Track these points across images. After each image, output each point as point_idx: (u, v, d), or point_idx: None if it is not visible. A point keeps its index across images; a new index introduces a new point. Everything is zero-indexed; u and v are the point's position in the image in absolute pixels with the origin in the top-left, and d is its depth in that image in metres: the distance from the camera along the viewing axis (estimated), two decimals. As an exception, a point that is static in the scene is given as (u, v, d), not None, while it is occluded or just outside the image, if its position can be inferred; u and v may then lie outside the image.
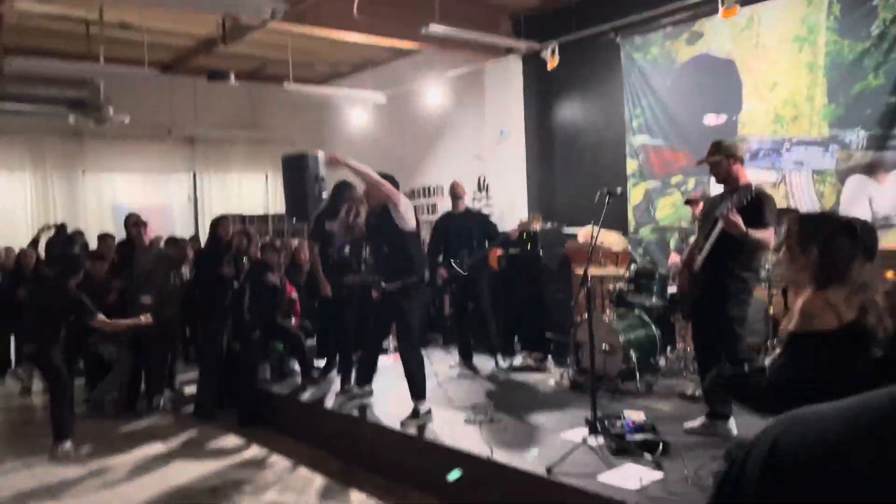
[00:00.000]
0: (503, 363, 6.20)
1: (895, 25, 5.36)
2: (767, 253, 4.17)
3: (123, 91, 8.35)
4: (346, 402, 5.11)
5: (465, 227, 6.26)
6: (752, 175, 6.28)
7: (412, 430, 4.39)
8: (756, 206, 3.69)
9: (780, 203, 6.09)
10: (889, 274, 4.53)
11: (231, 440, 5.41)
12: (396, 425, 4.50)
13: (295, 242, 7.98)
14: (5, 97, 7.55)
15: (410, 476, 4.28)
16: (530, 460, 3.74)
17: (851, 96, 5.58)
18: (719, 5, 5.53)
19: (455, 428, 4.38)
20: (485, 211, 7.66)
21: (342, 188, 5.53)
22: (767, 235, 3.70)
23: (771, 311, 5.06)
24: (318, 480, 4.46)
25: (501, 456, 3.81)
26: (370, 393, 5.15)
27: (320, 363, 6.24)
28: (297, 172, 6.78)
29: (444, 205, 9.05)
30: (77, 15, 7.52)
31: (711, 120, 6.55)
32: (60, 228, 7.89)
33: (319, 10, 6.18)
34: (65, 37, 8.14)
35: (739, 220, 3.60)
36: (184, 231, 9.66)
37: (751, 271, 3.92)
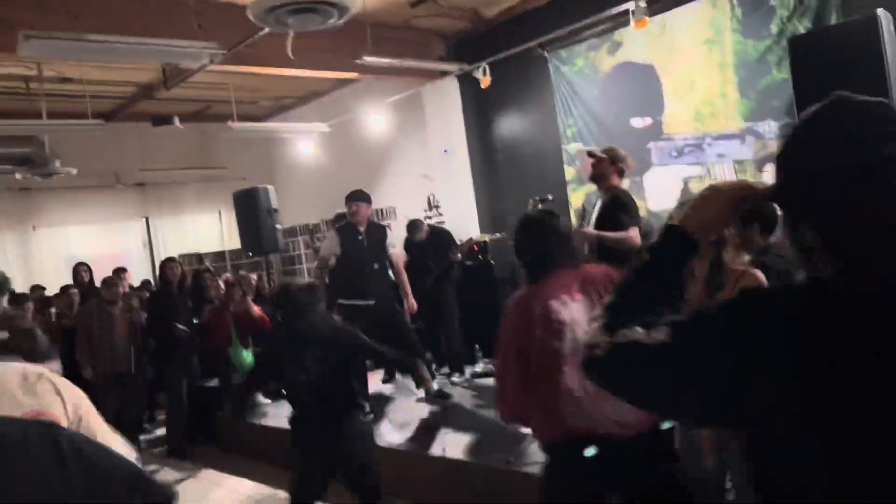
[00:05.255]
0: (456, 378, 6.40)
1: (791, 23, 5.84)
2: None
3: (69, 143, 8.43)
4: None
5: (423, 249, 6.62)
6: (680, 170, 6.73)
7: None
8: (614, 208, 4.00)
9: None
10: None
11: (207, 474, 5.55)
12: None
13: (254, 276, 8.15)
14: (-50, 160, 7.58)
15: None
16: (496, 458, 3.99)
17: (760, 90, 6.05)
18: (630, 17, 5.94)
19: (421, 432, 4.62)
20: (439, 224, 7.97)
21: None
22: (627, 235, 3.89)
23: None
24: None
25: (470, 456, 4.06)
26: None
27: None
28: (249, 207, 6.96)
29: (397, 225, 9.32)
30: (16, 72, 7.63)
31: (638, 123, 6.96)
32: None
33: (257, 50, 6.40)
34: (5, 95, 8.22)
35: (588, 231, 3.93)
36: (141, 276, 9.72)
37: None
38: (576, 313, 2.09)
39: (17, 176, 8.37)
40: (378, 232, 5.57)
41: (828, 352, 0.86)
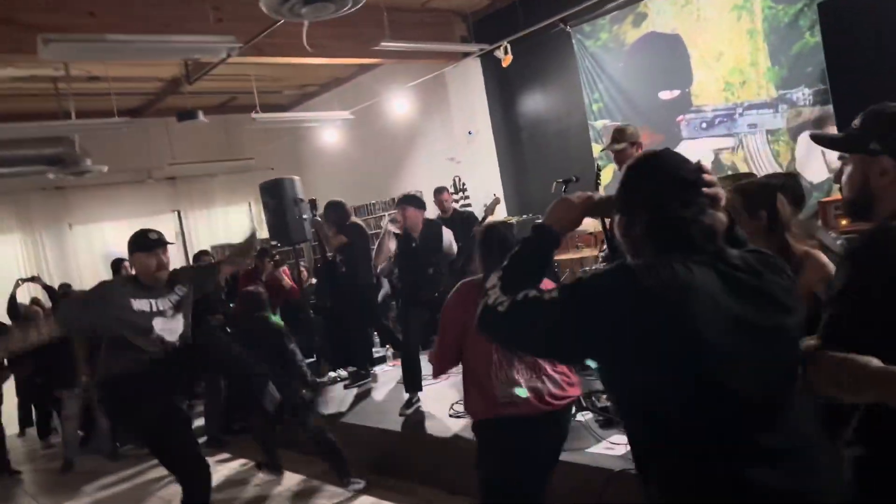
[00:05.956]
0: None
1: (824, -16, 5.58)
2: None
3: (99, 141, 8.55)
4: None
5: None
6: (711, 143, 6.54)
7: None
8: None
9: (741, 166, 6.34)
10: (844, 221, 4.76)
11: (244, 464, 5.63)
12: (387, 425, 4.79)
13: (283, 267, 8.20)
14: (-16, 163, 7.75)
15: (416, 472, 4.50)
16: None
17: (792, 57, 5.81)
18: (654, -13, 5.75)
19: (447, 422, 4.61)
20: (465, 209, 7.90)
21: None
22: None
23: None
24: (328, 489, 4.67)
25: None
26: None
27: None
28: (276, 198, 6.97)
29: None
30: (44, 74, 7.74)
31: (666, 95, 6.78)
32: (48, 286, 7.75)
33: (276, 40, 6.37)
34: (35, 96, 8.35)
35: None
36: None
37: None
38: None
39: (50, 176, 8.52)
40: (433, 233, 5.23)
41: (649, 303, 1.28)
